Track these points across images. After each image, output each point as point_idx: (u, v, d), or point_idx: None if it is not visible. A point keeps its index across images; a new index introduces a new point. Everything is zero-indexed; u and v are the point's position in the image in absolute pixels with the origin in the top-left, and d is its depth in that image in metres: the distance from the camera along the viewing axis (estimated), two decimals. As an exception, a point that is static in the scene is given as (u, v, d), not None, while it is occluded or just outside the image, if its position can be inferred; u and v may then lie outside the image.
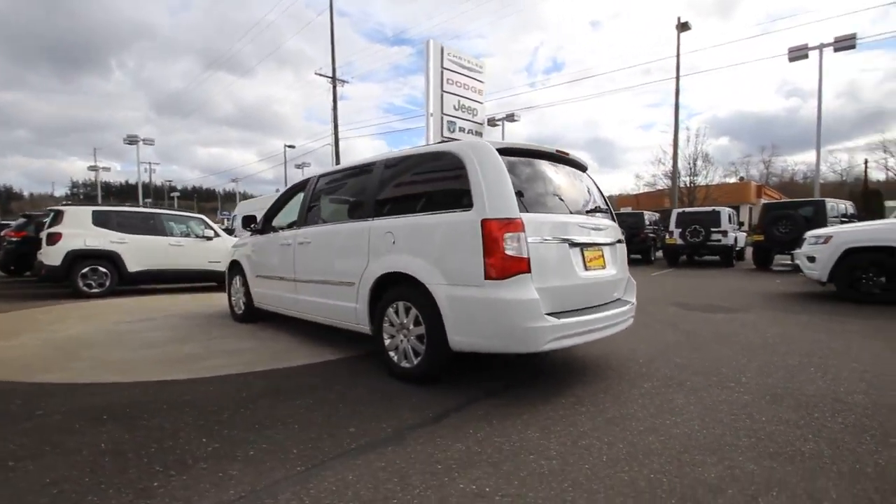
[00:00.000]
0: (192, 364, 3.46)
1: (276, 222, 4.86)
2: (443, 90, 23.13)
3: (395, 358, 3.10)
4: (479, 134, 28.01)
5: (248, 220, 4.92)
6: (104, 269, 7.70)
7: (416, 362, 2.96)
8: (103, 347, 4.01)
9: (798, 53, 16.56)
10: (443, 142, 3.21)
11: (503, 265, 2.53)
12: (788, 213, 12.23)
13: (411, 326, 2.99)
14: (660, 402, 2.68)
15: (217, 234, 8.99)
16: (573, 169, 3.36)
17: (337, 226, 3.70)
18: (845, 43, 15.58)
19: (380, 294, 3.23)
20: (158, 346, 4.07)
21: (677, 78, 20.62)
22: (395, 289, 3.11)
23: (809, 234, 7.45)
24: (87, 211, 7.77)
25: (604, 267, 3.14)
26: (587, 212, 3.22)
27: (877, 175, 41.62)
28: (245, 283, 5.05)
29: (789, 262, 13.49)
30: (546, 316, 2.55)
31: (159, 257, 8.20)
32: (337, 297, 3.60)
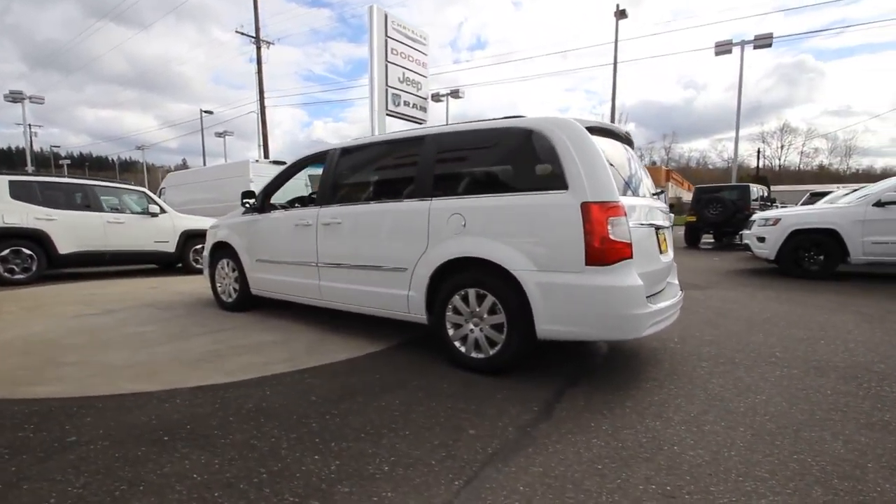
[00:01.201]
0: (218, 364, 3.01)
1: (274, 199, 4.35)
2: (387, 61, 22.37)
3: (463, 349, 2.92)
4: (423, 109, 27.41)
5: (248, 195, 4.32)
6: (28, 252, 6.48)
7: (492, 353, 2.81)
8: (88, 349, 3.36)
9: (723, 48, 18.05)
10: (509, 118, 3.00)
11: (608, 251, 2.44)
12: (718, 197, 13.50)
13: (485, 315, 2.82)
14: (733, 382, 2.78)
15: (163, 210, 7.94)
16: (630, 149, 3.33)
17: (381, 205, 3.36)
18: (763, 41, 17.24)
19: (440, 281, 3.00)
20: (158, 343, 3.50)
21: (615, 64, 21.54)
22: (462, 275, 2.90)
23: (758, 216, 8.23)
24: (2, 182, 6.43)
25: (667, 251, 3.18)
26: (653, 194, 3.22)
27: (750, 162, 47.16)
28: (238, 268, 4.49)
29: (712, 240, 15.03)
30: (647, 302, 2.52)
31: (96, 237, 7.08)
32: (381, 283, 3.31)
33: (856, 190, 8.65)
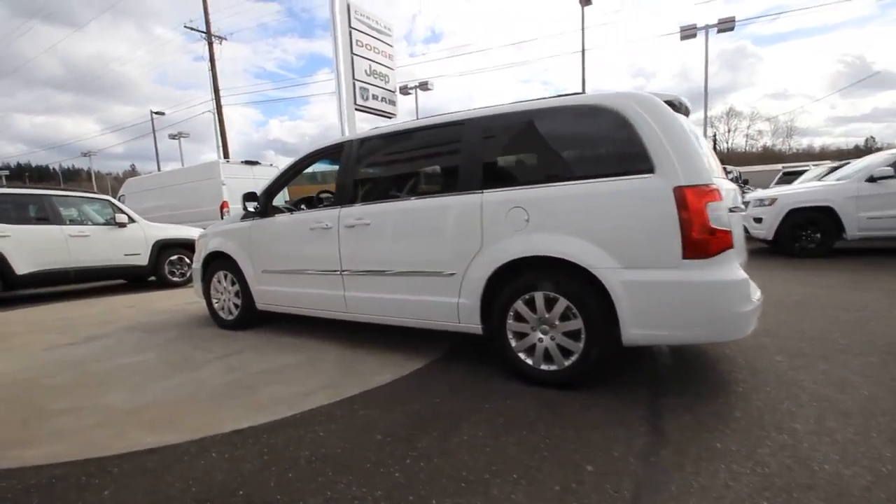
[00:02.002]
0: (246, 398, 2.56)
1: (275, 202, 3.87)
2: (353, 53, 21.68)
3: (530, 360, 2.59)
4: (392, 103, 26.74)
5: (250, 198, 3.79)
6: (-21, 274, 5.67)
7: (566, 363, 2.48)
8: (79, 390, 2.82)
9: (688, 32, 18.36)
10: (567, 95, 2.65)
11: (708, 241, 2.14)
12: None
13: (557, 321, 2.49)
14: (824, 376, 2.57)
15: (132, 220, 7.19)
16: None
17: (418, 202, 2.96)
18: (726, 25, 17.62)
19: (499, 285, 2.65)
20: (162, 376, 2.98)
21: (583, 51, 21.55)
22: (527, 276, 2.56)
23: (752, 196, 8.26)
24: (-58, 195, 5.57)
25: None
26: (726, 174, 2.96)
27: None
28: (239, 281, 3.98)
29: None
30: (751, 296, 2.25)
31: (57, 253, 6.30)
32: (422, 291, 2.92)
33: (835, 167, 8.83)
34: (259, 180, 11.02)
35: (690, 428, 2.05)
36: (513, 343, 2.64)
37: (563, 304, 2.45)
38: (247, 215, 3.94)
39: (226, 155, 22.43)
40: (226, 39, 23.47)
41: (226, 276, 4.13)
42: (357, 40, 18.19)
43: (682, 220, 2.16)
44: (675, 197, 2.17)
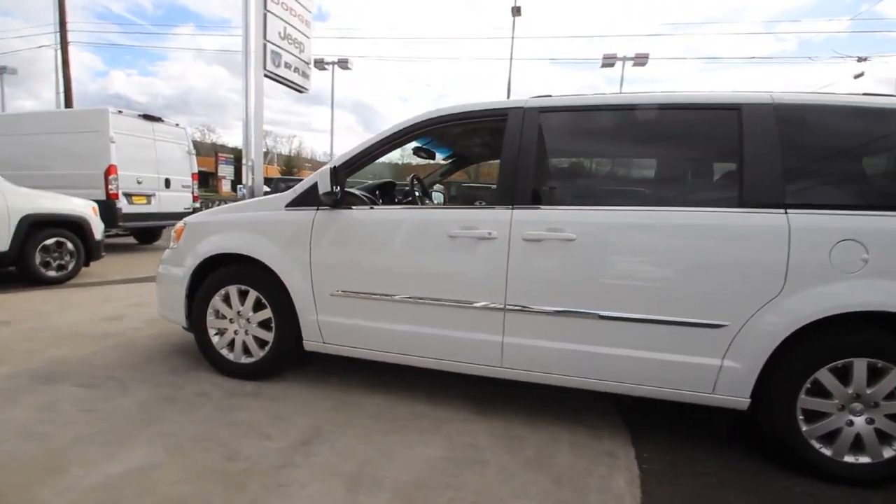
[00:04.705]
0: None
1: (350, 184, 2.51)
2: (266, 9, 19.18)
3: (828, 452, 1.88)
4: (306, 76, 24.20)
5: (333, 176, 2.30)
6: None
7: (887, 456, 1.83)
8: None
9: (608, 61, 19.69)
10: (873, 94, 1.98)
11: None
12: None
13: (881, 401, 1.82)
14: None
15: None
16: None
17: (671, 214, 2.00)
18: (641, 60, 19.32)
19: (792, 347, 1.88)
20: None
21: (510, 59, 21.69)
22: (843, 337, 1.84)
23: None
24: None
25: None
26: None
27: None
28: (278, 304, 2.52)
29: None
30: None
31: None
32: (657, 345, 2.01)
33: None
34: (162, 143, 8.41)
35: None
36: (804, 428, 1.89)
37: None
38: (299, 201, 2.49)
39: (68, 103, 17.45)
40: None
41: (244, 295, 2.60)
42: (273, -5, 15.66)
43: None
44: None
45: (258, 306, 2.60)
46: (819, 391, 1.88)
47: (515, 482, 1.79)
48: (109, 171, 7.23)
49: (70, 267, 5.28)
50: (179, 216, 9.09)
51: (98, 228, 5.57)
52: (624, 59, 19.33)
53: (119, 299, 4.48)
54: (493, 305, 2.18)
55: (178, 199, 8.72)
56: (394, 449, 1.99)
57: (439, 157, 3.68)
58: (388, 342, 2.39)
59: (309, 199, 2.48)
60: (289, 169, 44.42)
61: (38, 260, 5.00)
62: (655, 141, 2.27)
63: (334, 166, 2.31)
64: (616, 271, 2.06)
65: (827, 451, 1.89)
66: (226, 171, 34.31)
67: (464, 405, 2.43)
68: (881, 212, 1.83)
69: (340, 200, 2.42)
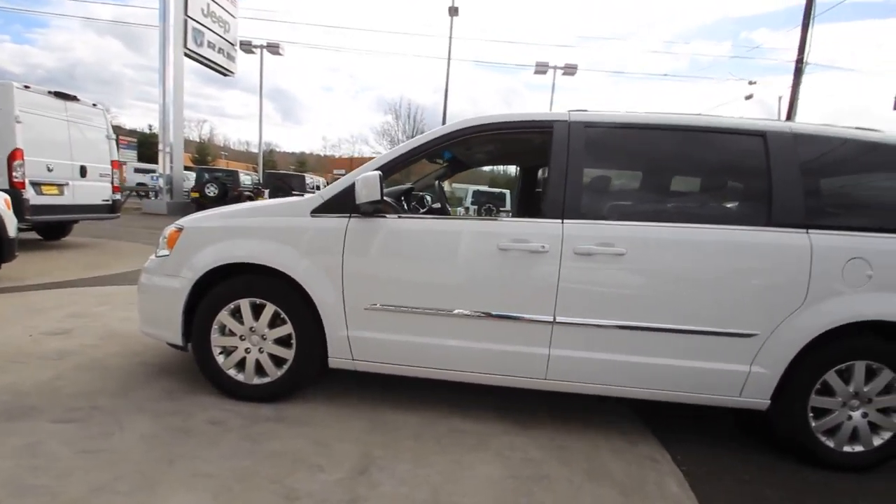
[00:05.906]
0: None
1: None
2: None
3: (831, 443, 2.17)
4: (231, 58, 22.47)
5: (388, 172, 2.11)
6: None
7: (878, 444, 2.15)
8: None
9: (541, 69, 20.61)
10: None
11: None
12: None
13: (874, 397, 2.13)
14: None
15: None
16: None
17: (716, 231, 2.15)
18: (570, 70, 20.47)
19: (806, 353, 2.13)
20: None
21: (448, 59, 21.80)
22: (846, 342, 2.12)
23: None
24: None
25: None
26: None
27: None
28: (301, 318, 2.32)
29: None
30: None
31: None
32: (691, 354, 2.17)
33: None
34: (77, 124, 7.29)
35: None
36: (813, 424, 2.15)
37: (888, 376, 2.10)
38: (329, 207, 2.31)
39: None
40: None
41: (259, 309, 2.36)
42: (195, -35, 14.89)
43: None
44: None
45: (274, 321, 2.38)
46: (826, 390, 2.16)
47: (585, 496, 1.84)
48: (14, 155, 6.15)
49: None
50: (96, 209, 7.98)
51: (11, 224, 4.72)
52: (555, 67, 20.36)
53: (50, 309, 3.84)
54: (542, 318, 2.20)
55: (96, 189, 7.64)
56: (453, 471, 1.94)
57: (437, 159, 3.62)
58: (427, 357, 2.32)
59: (341, 205, 2.31)
60: (202, 157, 40.68)
61: (-67, 263, 4.13)
62: (693, 161, 2.44)
63: (381, 173, 2.18)
64: (660, 285, 2.18)
65: (830, 443, 2.18)
66: (128, 155, 30.81)
67: (497, 417, 2.44)
68: (884, 234, 2.13)
69: (377, 209, 2.29)
